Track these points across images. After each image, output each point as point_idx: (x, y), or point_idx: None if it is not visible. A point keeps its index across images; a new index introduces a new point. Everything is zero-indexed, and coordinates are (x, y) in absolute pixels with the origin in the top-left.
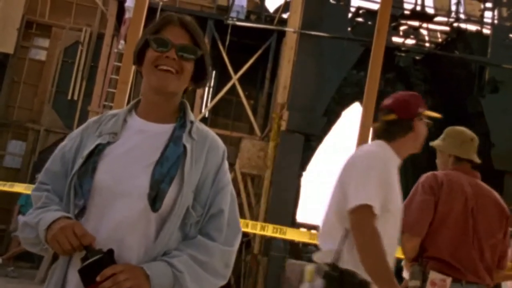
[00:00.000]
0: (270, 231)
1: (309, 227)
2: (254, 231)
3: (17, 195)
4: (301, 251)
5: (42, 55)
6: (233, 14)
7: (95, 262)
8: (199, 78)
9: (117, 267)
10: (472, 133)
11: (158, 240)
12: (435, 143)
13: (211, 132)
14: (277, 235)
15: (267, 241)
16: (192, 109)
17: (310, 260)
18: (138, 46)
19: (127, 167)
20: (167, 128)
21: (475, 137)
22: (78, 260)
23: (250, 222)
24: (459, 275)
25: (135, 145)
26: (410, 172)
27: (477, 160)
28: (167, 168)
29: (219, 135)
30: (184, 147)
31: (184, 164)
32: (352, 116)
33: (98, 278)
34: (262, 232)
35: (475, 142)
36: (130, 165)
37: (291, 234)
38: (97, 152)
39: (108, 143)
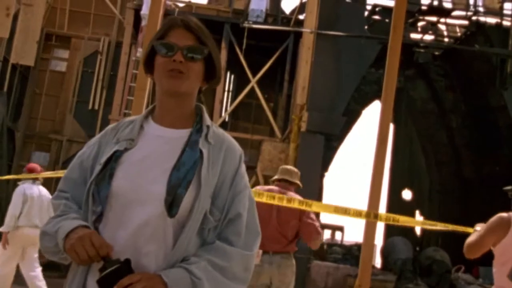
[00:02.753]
0: (296, 204)
1: (333, 228)
2: (280, 203)
3: None
4: (326, 252)
5: (62, 66)
6: (253, 19)
7: (112, 272)
8: (210, 77)
9: (134, 276)
10: None
11: (177, 246)
12: None
13: (227, 136)
14: (304, 207)
15: None
16: (211, 114)
17: (335, 261)
18: (145, 54)
19: (144, 173)
20: (184, 133)
21: None
22: (96, 270)
23: (277, 195)
24: (267, 248)
25: (151, 151)
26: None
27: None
28: (184, 173)
29: (240, 138)
30: (201, 151)
31: (201, 168)
32: (372, 115)
33: None
34: (288, 205)
35: None
36: (147, 171)
37: (316, 207)
38: (114, 159)
39: (126, 150)
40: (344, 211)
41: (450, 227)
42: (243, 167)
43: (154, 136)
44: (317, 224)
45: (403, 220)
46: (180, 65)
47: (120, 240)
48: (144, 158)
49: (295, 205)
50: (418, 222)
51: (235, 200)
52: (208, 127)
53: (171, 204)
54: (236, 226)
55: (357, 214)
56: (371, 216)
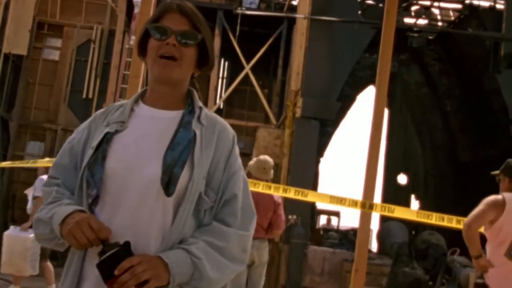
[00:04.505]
0: (292, 193)
1: (329, 213)
2: (276, 193)
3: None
4: (322, 237)
5: (55, 55)
6: (246, 5)
7: (112, 255)
8: (203, 63)
9: (134, 259)
10: None
11: (173, 226)
12: None
13: (220, 118)
14: (299, 197)
15: (288, 229)
16: (206, 101)
17: (331, 246)
18: (139, 37)
19: (138, 154)
20: (176, 114)
21: None
22: (95, 254)
23: (273, 185)
24: None
25: (144, 132)
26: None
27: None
28: (178, 153)
29: (235, 125)
30: (194, 132)
31: (194, 149)
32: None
33: (116, 272)
34: (284, 194)
35: None
36: (140, 152)
37: (312, 197)
38: (106, 141)
39: (116, 132)
40: (340, 201)
41: (445, 218)
42: (237, 149)
43: (146, 117)
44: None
45: (398, 210)
46: (173, 49)
47: (118, 222)
48: (137, 139)
49: (291, 195)
50: (413, 214)
51: (230, 182)
52: (200, 108)
53: (168, 183)
54: (231, 207)
55: (353, 204)
56: (366, 206)
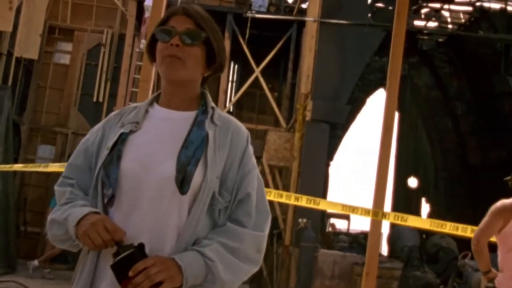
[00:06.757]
0: (304, 202)
1: (339, 216)
2: (288, 201)
3: (50, 199)
4: (332, 240)
5: (66, 59)
6: (255, 8)
7: (126, 257)
8: (210, 62)
9: (148, 260)
10: None
11: (186, 224)
12: None
13: (233, 118)
14: (311, 205)
15: (298, 232)
16: (216, 104)
17: (341, 249)
18: (147, 42)
19: (152, 154)
20: (189, 115)
21: None
22: (109, 255)
23: (284, 193)
24: None
25: (158, 132)
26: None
27: None
28: (192, 151)
29: None
30: (206, 133)
31: (207, 149)
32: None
33: (130, 273)
34: (296, 203)
35: None
36: (155, 152)
37: (324, 205)
38: (120, 141)
39: (131, 132)
40: (352, 210)
41: (460, 228)
42: (251, 148)
43: (160, 117)
44: None
45: (411, 219)
46: (178, 50)
47: (134, 221)
48: (151, 139)
49: (303, 203)
50: (426, 223)
51: (244, 181)
52: (213, 108)
53: (182, 182)
54: (246, 206)
55: (365, 212)
56: (379, 215)
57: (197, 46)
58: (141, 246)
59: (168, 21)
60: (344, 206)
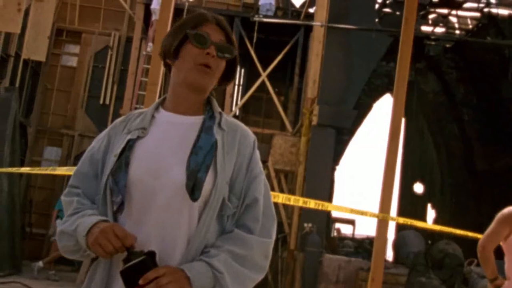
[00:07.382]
0: (312, 205)
1: (344, 221)
2: (296, 205)
3: (56, 201)
4: (337, 245)
5: (73, 61)
6: (263, 13)
7: (137, 264)
8: (226, 77)
9: (160, 270)
10: None
11: (196, 231)
12: None
13: (240, 123)
14: (320, 208)
15: (303, 236)
16: (222, 108)
17: (346, 254)
18: (177, 40)
19: (161, 160)
20: (196, 120)
21: None
22: (119, 262)
23: (292, 197)
24: None
25: (166, 137)
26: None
27: None
28: (202, 157)
29: None
30: (215, 139)
31: (216, 155)
32: (383, 108)
33: (141, 282)
34: (304, 205)
35: None
36: (163, 157)
37: (333, 208)
38: (128, 148)
39: (138, 138)
40: (361, 213)
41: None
42: (257, 153)
43: (166, 123)
44: None
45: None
46: (212, 60)
47: (145, 228)
48: (159, 145)
49: (311, 206)
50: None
51: (251, 186)
52: (220, 113)
53: (193, 189)
54: (253, 211)
55: (375, 215)
56: (388, 217)
57: (226, 60)
58: (152, 253)
59: (200, 26)
60: (353, 209)
